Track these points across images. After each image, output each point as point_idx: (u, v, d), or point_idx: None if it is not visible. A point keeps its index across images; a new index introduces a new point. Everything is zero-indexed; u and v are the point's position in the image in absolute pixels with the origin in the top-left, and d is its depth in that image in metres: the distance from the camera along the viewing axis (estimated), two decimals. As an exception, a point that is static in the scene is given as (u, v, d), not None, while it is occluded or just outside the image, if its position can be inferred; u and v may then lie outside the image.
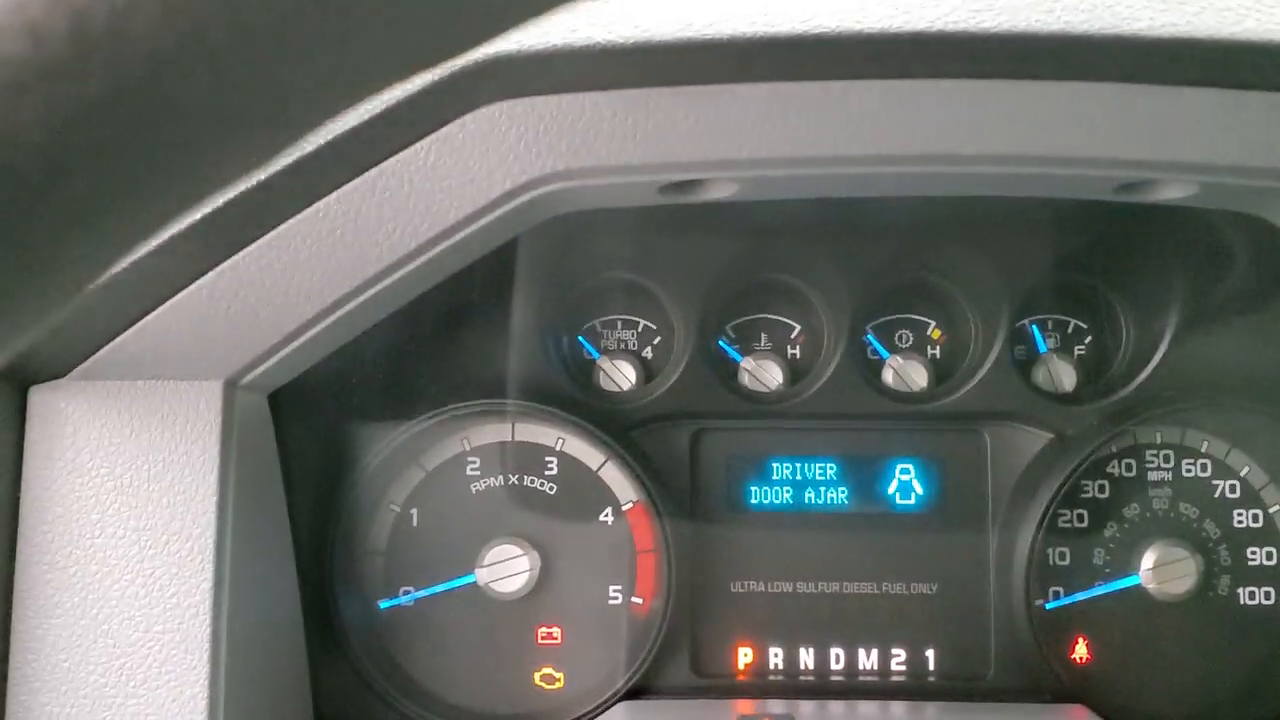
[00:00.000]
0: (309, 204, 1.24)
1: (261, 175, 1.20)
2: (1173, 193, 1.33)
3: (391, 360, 1.77)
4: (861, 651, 1.84)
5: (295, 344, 1.39)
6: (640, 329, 1.88)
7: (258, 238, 1.28)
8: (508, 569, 1.76)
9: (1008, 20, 1.15)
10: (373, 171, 1.21)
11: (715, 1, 1.15)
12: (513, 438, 1.81)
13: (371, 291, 1.34)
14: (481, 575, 1.76)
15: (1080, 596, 1.82)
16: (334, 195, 1.23)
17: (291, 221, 1.25)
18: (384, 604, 1.79)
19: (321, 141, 1.17)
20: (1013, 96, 1.22)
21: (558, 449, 1.81)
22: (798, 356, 1.88)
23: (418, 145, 1.20)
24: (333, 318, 1.36)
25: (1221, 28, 1.11)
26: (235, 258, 1.32)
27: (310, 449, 1.71)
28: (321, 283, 1.32)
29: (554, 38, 1.10)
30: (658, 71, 1.15)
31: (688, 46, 1.13)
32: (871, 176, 1.29)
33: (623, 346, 1.88)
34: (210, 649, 1.37)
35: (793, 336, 1.89)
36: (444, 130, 1.19)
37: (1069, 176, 1.27)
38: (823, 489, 1.86)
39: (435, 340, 1.78)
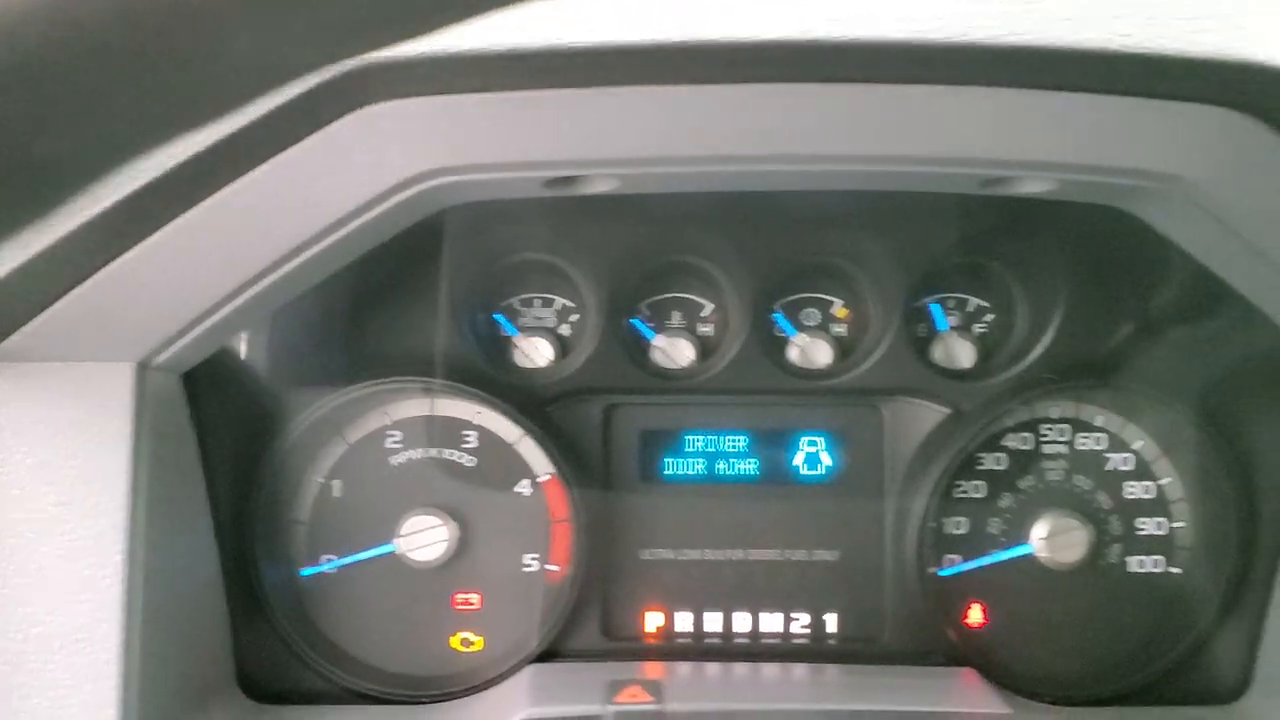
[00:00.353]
0: (206, 196, 1.30)
1: (159, 171, 1.25)
2: (1033, 188, 1.40)
3: (313, 337, 1.84)
4: (765, 615, 1.93)
5: (202, 327, 1.46)
6: (557, 307, 1.94)
7: (161, 227, 1.34)
8: (425, 539, 1.83)
9: (865, 29, 1.20)
10: (265, 166, 1.27)
11: (586, 9, 1.20)
12: (432, 412, 1.88)
13: (271, 278, 1.40)
14: (400, 544, 1.83)
15: (975, 564, 1.91)
16: (229, 189, 1.29)
17: (191, 213, 1.31)
18: (306, 571, 1.86)
19: (215, 139, 1.22)
20: (877, 99, 1.28)
21: (476, 423, 1.88)
22: (709, 334, 1.95)
23: (305, 143, 1.25)
24: (236, 303, 1.42)
25: (1064, 36, 1.18)
26: (141, 245, 1.37)
27: (231, 423, 1.78)
28: (222, 270, 1.38)
29: (428, 46, 1.16)
30: (530, 76, 1.21)
31: (556, 54, 1.18)
32: (746, 174, 1.35)
33: (539, 324, 1.95)
34: (124, 617, 1.44)
35: (704, 315, 1.95)
36: (330, 129, 1.24)
37: (935, 174, 1.33)
38: (730, 461, 1.94)
39: (356, 318, 1.84)
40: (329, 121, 1.26)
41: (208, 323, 1.45)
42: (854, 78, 1.25)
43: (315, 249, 1.37)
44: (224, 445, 1.76)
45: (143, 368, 1.49)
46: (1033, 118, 1.29)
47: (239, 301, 1.43)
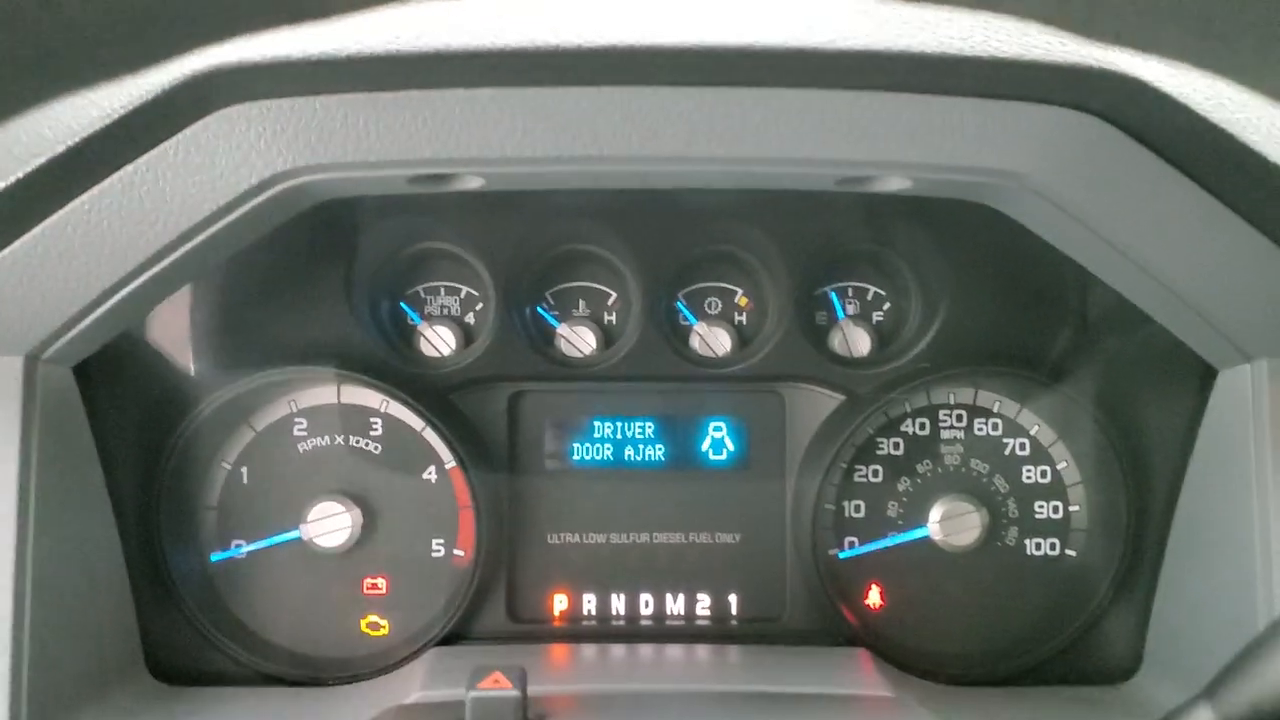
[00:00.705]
0: (76, 195, 1.33)
1: (27, 168, 1.29)
2: (889, 186, 1.43)
3: (217, 324, 1.87)
4: (669, 597, 1.97)
5: (88, 320, 1.49)
6: (462, 296, 1.97)
7: (34, 227, 1.37)
8: (330, 525, 1.87)
9: (714, 35, 1.23)
10: (128, 168, 1.30)
11: (439, 13, 1.23)
12: (338, 400, 1.91)
13: (149, 274, 1.43)
14: (305, 531, 1.87)
15: (872, 547, 1.94)
16: (97, 189, 1.32)
17: (62, 212, 1.34)
18: (215, 556, 1.90)
19: (75, 140, 1.25)
20: (728, 102, 1.31)
21: (382, 410, 1.92)
22: (612, 322, 1.98)
23: (165, 145, 1.29)
24: (118, 297, 1.46)
25: (898, 40, 1.20)
26: (20, 241, 1.40)
27: (133, 410, 1.81)
28: (98, 267, 1.41)
29: (277, 49, 1.19)
30: (385, 78, 1.24)
31: (412, 58, 1.21)
32: (607, 173, 1.38)
33: (444, 312, 1.98)
34: (12, 603, 1.48)
35: (608, 304, 1.99)
36: (188, 131, 1.28)
37: (789, 174, 1.36)
38: (635, 447, 1.97)
39: (261, 306, 1.87)
40: (187, 124, 1.29)
41: (92, 316, 1.48)
42: (705, 81, 1.28)
43: (188, 246, 1.40)
44: (126, 432, 1.80)
45: (31, 360, 1.53)
46: (881, 119, 1.32)
47: (121, 295, 1.46)
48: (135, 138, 1.27)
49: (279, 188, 1.33)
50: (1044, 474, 1.94)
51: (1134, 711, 1.79)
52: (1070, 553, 1.93)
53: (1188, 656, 1.77)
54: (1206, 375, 1.72)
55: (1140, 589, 1.88)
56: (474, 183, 1.40)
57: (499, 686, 1.28)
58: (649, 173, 1.36)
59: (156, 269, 1.43)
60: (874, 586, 1.95)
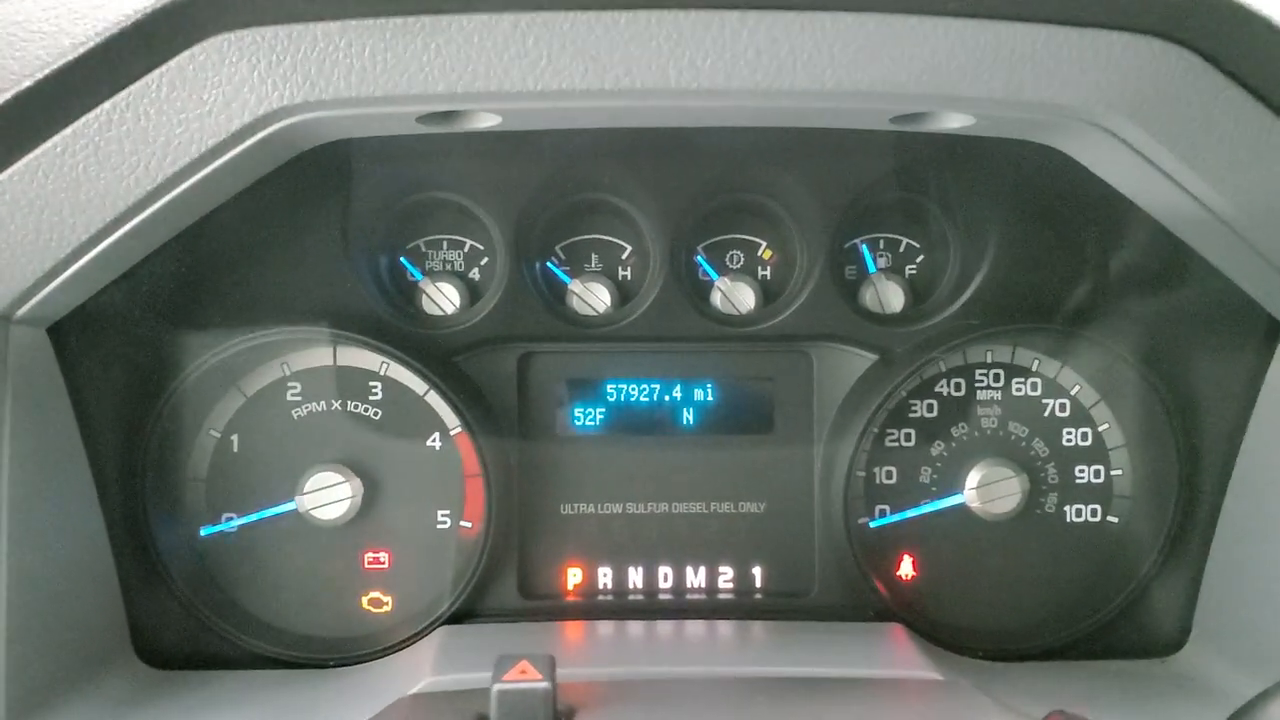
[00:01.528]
0: (49, 136, 1.20)
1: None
2: (949, 124, 1.31)
3: (203, 282, 1.72)
4: (690, 570, 1.85)
5: (62, 277, 1.36)
6: (466, 250, 1.84)
7: (2, 170, 1.23)
8: (328, 496, 1.75)
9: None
10: (105, 105, 1.17)
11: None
12: (334, 362, 1.79)
13: (129, 225, 1.30)
14: (302, 503, 1.74)
15: (906, 515, 1.83)
16: (69, 130, 1.19)
17: (32, 156, 1.21)
18: (205, 531, 1.78)
19: (44, 73, 1.11)
20: (774, 27, 1.18)
21: (382, 373, 1.79)
22: (628, 278, 1.86)
23: (147, 79, 1.15)
24: (95, 251, 1.33)
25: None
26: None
27: (114, 374, 1.68)
28: (73, 218, 1.28)
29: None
30: (389, 2, 1.10)
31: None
32: (639, 109, 1.25)
33: (448, 268, 1.84)
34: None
35: (624, 258, 1.86)
36: (173, 63, 1.14)
37: (841, 109, 1.23)
38: (652, 411, 1.85)
39: (250, 261, 1.73)
40: (173, 54, 1.15)
41: (68, 272, 1.35)
42: (748, 4, 1.15)
43: (173, 193, 1.27)
44: (106, 399, 1.67)
45: (1, 321, 1.39)
46: (944, 47, 1.19)
47: (98, 250, 1.33)
48: (113, 70, 1.13)
49: (275, 127, 1.20)
50: (1085, 436, 1.83)
51: (1183, 686, 1.70)
52: (1113, 519, 1.82)
53: (1240, 630, 1.69)
54: (1271, 332, 1.61)
55: (1189, 558, 1.78)
56: (489, 121, 1.27)
57: (527, 677, 1.16)
58: (683, 109, 1.23)
59: (138, 219, 1.30)
60: (907, 557, 1.84)
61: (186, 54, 1.14)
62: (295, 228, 1.71)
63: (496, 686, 1.16)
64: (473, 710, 1.23)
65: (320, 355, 1.78)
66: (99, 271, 1.36)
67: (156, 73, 1.14)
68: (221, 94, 1.17)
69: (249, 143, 1.21)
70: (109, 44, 1.09)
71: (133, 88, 1.15)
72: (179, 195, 1.27)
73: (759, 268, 1.86)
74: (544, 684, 1.17)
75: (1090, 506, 1.83)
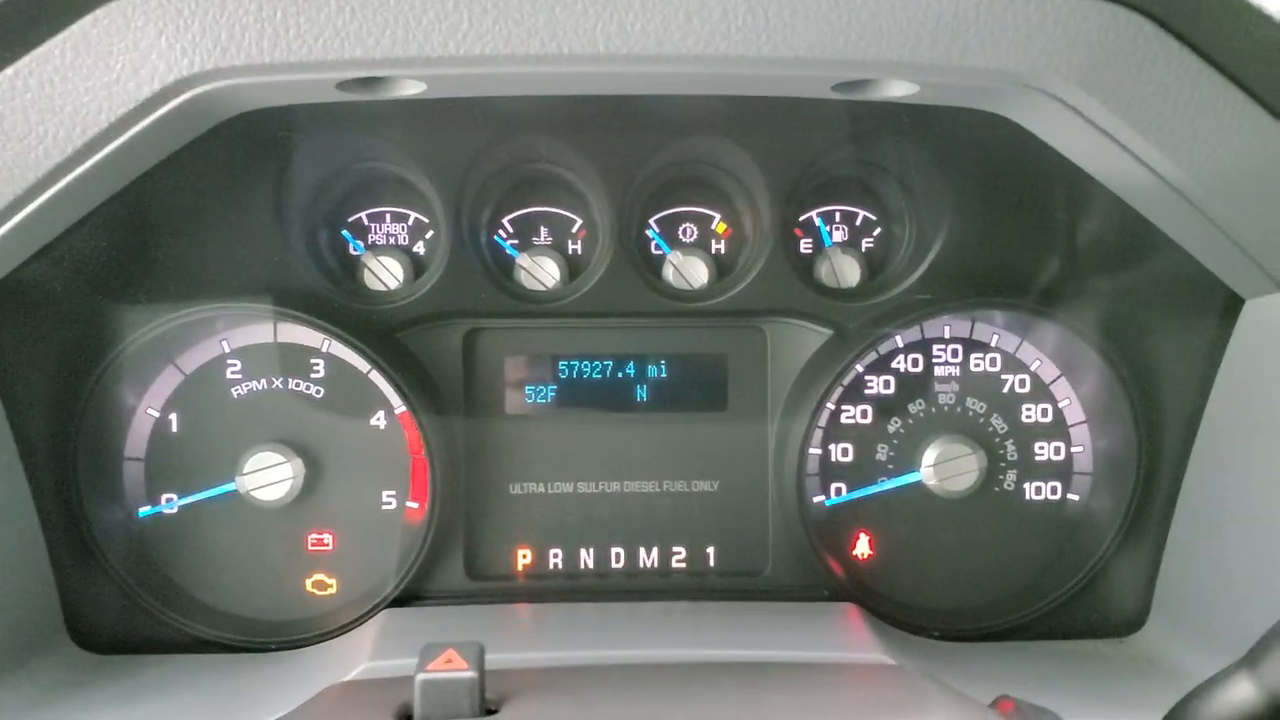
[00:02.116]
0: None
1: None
2: (893, 91, 1.26)
3: (135, 255, 1.67)
4: (642, 550, 1.82)
5: (-23, 252, 1.30)
6: (410, 223, 1.79)
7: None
8: (269, 476, 1.71)
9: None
10: (6, 73, 1.11)
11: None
12: (275, 339, 1.74)
13: (43, 198, 1.24)
14: (242, 483, 1.70)
15: (861, 493, 1.80)
16: (-31, 98, 1.12)
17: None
18: (143, 513, 1.73)
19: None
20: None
21: (324, 351, 1.74)
22: (578, 252, 1.81)
23: (49, 45, 1.10)
24: (9, 225, 1.27)
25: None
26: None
27: (41, 354, 1.63)
28: (-19, 190, 1.22)
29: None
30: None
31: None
32: (573, 75, 1.20)
33: (391, 241, 1.79)
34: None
35: (573, 231, 1.81)
36: (75, 28, 1.09)
37: (779, 77, 1.18)
38: (603, 388, 1.81)
39: (185, 233, 1.68)
40: (76, 18, 1.09)
41: (-19, 247, 1.29)
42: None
43: (85, 166, 1.21)
44: (34, 377, 1.62)
45: (-85, 298, 1.34)
46: (884, 11, 1.14)
47: (11, 224, 1.28)
48: (11, 35, 1.07)
49: (186, 95, 1.14)
50: (1044, 413, 1.79)
51: (1142, 666, 1.67)
52: (1073, 497, 1.79)
53: (1200, 609, 1.65)
54: (1230, 306, 1.57)
55: (1149, 537, 1.74)
56: (413, 88, 1.21)
57: (452, 667, 1.12)
58: (617, 76, 1.18)
59: (52, 191, 1.24)
60: (862, 536, 1.81)
61: (90, 18, 1.08)
62: (230, 199, 1.66)
63: (420, 676, 1.12)
64: (399, 700, 1.18)
65: (260, 332, 1.73)
66: (16, 245, 1.31)
67: (59, 38, 1.09)
68: (129, 60, 1.11)
69: (162, 111, 1.15)
70: (5, 8, 1.03)
71: (35, 53, 1.10)
72: (94, 166, 1.21)
73: (712, 241, 1.81)
74: (469, 673, 1.12)
75: (1050, 484, 1.80)
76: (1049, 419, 1.79)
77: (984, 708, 1.20)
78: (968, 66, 1.16)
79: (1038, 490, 1.80)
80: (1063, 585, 1.77)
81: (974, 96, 1.27)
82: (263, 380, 1.73)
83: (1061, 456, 1.79)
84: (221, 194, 1.65)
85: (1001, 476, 1.78)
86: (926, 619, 1.76)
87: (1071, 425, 1.78)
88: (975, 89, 1.23)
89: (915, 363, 1.78)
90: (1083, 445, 1.79)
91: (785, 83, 1.22)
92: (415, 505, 1.75)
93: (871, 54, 1.14)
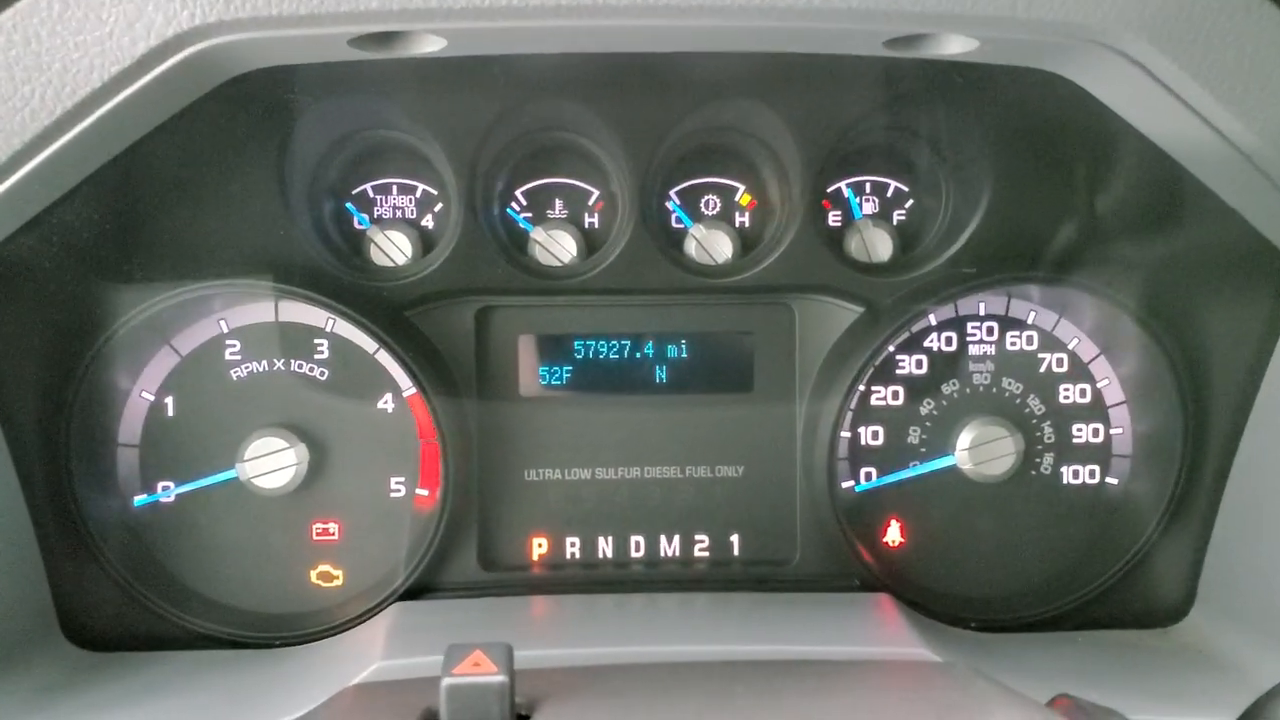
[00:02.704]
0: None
1: None
2: (949, 48, 1.17)
3: (129, 229, 1.57)
4: (663, 538, 1.74)
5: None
6: (418, 195, 1.70)
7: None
8: (272, 463, 1.62)
9: None
10: (-10, 27, 1.01)
11: None
12: (276, 319, 1.65)
13: (31, 165, 1.15)
14: (243, 470, 1.62)
15: (893, 478, 1.72)
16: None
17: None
18: (139, 502, 1.65)
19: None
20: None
21: (328, 330, 1.65)
22: (595, 226, 1.72)
23: (37, -5, 0.99)
24: (-4, 193, 1.17)
25: None
26: None
27: (29, 335, 1.54)
28: (-36, 156, 1.12)
29: None
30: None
31: None
32: (602, 29, 1.11)
33: (398, 215, 1.70)
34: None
35: (590, 204, 1.72)
36: (66, -24, 0.99)
37: (828, 29, 1.09)
38: (623, 369, 1.72)
39: (181, 207, 1.58)
40: (64, -34, 0.99)
41: (-36, 219, 1.20)
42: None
43: (77, 129, 1.12)
44: (22, 360, 1.53)
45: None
46: (946, -43, 1.05)
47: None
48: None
49: (188, 52, 1.05)
50: (1083, 393, 1.72)
51: (1191, 658, 1.60)
52: (1111, 481, 1.72)
53: (1248, 597, 1.59)
54: (1291, 279, 1.49)
55: (1194, 522, 1.67)
56: (432, 44, 1.12)
57: (481, 670, 1.04)
58: (649, 29, 1.09)
59: (40, 159, 1.15)
60: (894, 523, 1.73)
61: (79, -35, 0.98)
62: (230, 168, 1.56)
63: (446, 681, 1.04)
64: (421, 704, 1.10)
65: (260, 310, 1.64)
66: (2, 217, 1.21)
67: (46, -11, 0.99)
68: (123, 13, 1.02)
69: (160, 70, 1.06)
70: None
71: (19, 5, 1.01)
72: (85, 131, 1.12)
73: (737, 214, 1.72)
74: (499, 677, 1.04)
75: (1088, 467, 1.72)
76: (1087, 400, 1.71)
77: (1044, 708, 1.12)
78: (1034, 20, 1.07)
79: (1075, 474, 1.72)
80: (1103, 573, 1.70)
81: (1033, 54, 1.18)
82: (264, 362, 1.64)
83: (1100, 439, 1.72)
84: (220, 163, 1.55)
85: (1038, 460, 1.71)
86: (962, 609, 1.68)
87: (1110, 406, 1.71)
88: (1036, 45, 1.14)
89: (949, 341, 1.70)
90: (1122, 427, 1.71)
91: (834, 38, 1.13)
92: (425, 492, 1.67)
93: (932, 5, 1.05)
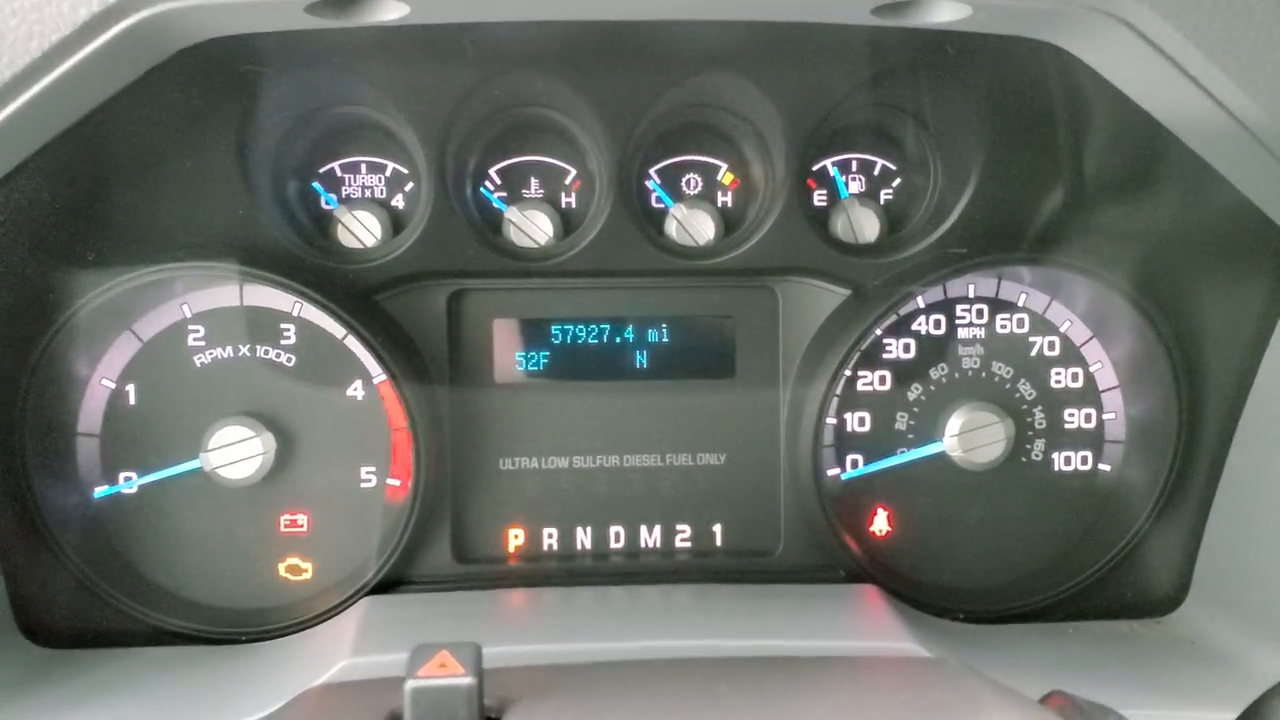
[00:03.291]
0: None
1: None
2: (941, 15, 1.11)
3: (85, 210, 1.51)
4: (644, 529, 1.69)
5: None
6: (387, 174, 1.64)
7: None
8: (237, 453, 1.57)
9: None
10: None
11: None
12: (241, 303, 1.59)
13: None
14: (208, 460, 1.56)
15: (880, 466, 1.68)
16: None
17: None
18: (100, 493, 1.59)
19: None
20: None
21: (295, 315, 1.60)
22: (572, 205, 1.66)
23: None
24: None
25: None
26: None
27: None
28: (-102, 133, 1.06)
29: None
30: None
31: None
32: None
33: (367, 195, 1.64)
34: None
35: (567, 183, 1.66)
36: (-2, -63, 0.92)
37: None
38: (601, 354, 1.67)
39: (138, 185, 1.52)
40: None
41: (-97, 200, 1.13)
42: None
43: (18, 102, 1.05)
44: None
45: None
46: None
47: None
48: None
49: (134, 19, 0.99)
50: (1075, 377, 1.67)
51: (1185, 649, 1.55)
52: (1104, 468, 1.68)
53: (1244, 587, 1.55)
54: (1291, 260, 1.44)
55: (1189, 510, 1.63)
56: (394, 10, 1.06)
57: (447, 671, 0.98)
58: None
59: (-22, 135, 1.08)
60: (881, 511, 1.68)
61: (15, -75, 0.92)
62: (189, 144, 1.50)
63: (411, 683, 0.98)
64: (386, 707, 1.04)
65: (224, 294, 1.58)
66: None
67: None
68: (61, -22, 0.95)
69: (104, 39, 1.00)
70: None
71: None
72: (28, 104, 1.06)
73: (719, 193, 1.67)
74: (467, 679, 0.99)
75: (1080, 454, 1.68)
76: (1079, 384, 1.67)
77: (1037, 706, 1.08)
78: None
79: (1067, 461, 1.68)
80: (1096, 562, 1.66)
81: (1026, 22, 1.13)
82: (228, 348, 1.58)
83: (1092, 424, 1.67)
84: (178, 138, 1.49)
85: (1029, 446, 1.67)
86: (951, 600, 1.64)
87: (1103, 390, 1.67)
88: (1030, 12, 1.09)
89: (938, 324, 1.65)
90: (1114, 412, 1.67)
91: (820, 4, 1.07)
92: (397, 483, 1.61)
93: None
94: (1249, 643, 1.49)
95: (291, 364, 1.59)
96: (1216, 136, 1.21)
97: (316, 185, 1.62)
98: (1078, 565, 1.66)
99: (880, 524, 1.68)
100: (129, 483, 1.59)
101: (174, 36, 1.07)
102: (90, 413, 1.57)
